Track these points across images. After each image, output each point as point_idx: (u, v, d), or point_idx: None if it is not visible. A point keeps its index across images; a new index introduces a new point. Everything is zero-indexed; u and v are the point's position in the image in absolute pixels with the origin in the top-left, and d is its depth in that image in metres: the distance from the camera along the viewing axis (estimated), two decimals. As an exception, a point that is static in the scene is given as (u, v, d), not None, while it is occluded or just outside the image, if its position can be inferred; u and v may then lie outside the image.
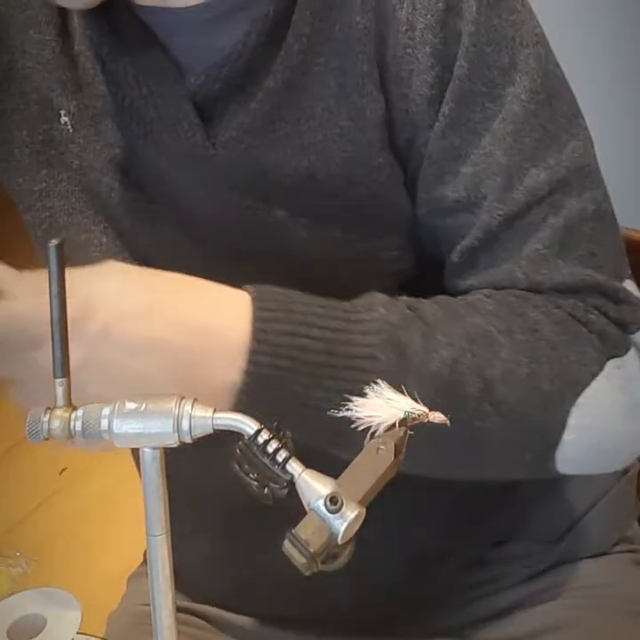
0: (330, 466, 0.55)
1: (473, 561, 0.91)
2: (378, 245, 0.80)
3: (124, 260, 0.81)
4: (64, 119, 0.82)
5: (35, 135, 0.83)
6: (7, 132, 0.83)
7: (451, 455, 0.74)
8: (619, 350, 0.76)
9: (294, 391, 0.68)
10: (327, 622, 0.92)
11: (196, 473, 0.82)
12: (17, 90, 0.82)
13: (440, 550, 0.90)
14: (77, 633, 0.81)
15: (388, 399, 0.58)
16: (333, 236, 0.80)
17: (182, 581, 0.97)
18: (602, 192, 0.80)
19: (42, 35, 0.81)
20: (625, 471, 0.98)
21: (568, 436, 0.74)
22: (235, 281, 0.71)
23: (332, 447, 0.67)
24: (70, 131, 0.82)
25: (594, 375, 0.75)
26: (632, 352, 0.78)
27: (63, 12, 0.80)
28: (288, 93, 0.76)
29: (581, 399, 0.74)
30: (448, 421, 0.61)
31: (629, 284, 0.79)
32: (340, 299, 0.72)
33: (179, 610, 0.92)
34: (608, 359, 0.76)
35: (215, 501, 0.88)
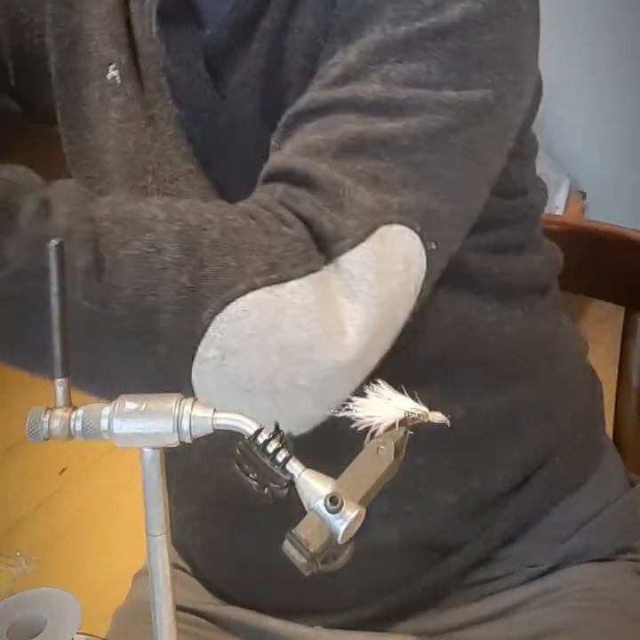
0: (330, 466, 0.55)
1: (479, 559, 0.91)
2: None
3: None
4: (112, 73, 0.86)
5: (93, 92, 0.87)
6: (76, 90, 0.88)
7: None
8: (310, 265, 0.66)
9: None
10: (329, 615, 0.92)
11: (209, 454, 0.83)
12: (84, 49, 0.88)
13: (448, 547, 0.90)
14: (77, 633, 0.81)
15: (388, 399, 0.58)
16: None
17: (193, 565, 0.99)
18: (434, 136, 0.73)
19: None
20: (632, 483, 0.98)
21: (207, 353, 0.63)
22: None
23: None
24: (117, 82, 0.86)
25: (254, 286, 0.64)
26: (328, 274, 0.67)
27: None
28: (283, 33, 0.79)
29: (232, 309, 0.63)
30: (448, 422, 0.61)
31: (406, 232, 0.70)
32: None
33: (184, 610, 0.94)
34: (290, 271, 0.65)
35: (231, 483, 0.89)
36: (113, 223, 0.64)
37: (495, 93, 0.74)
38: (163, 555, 0.56)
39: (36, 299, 0.60)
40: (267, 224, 0.67)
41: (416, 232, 0.69)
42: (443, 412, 0.58)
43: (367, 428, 0.58)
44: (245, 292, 0.64)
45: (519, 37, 0.76)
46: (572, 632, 0.87)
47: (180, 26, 0.82)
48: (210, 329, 0.63)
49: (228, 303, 0.63)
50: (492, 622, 0.91)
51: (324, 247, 0.67)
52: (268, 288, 0.64)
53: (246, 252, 0.65)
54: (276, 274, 0.65)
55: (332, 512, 0.52)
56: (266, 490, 0.53)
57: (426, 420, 0.59)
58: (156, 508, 0.56)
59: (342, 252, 0.67)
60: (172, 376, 0.64)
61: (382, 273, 0.67)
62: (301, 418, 0.66)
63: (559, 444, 0.92)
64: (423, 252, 0.70)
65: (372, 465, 0.56)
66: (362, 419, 0.58)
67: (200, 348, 0.63)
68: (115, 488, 2.05)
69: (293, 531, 0.52)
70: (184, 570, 1.01)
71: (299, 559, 0.52)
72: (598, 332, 1.95)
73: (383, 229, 0.68)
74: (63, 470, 2.21)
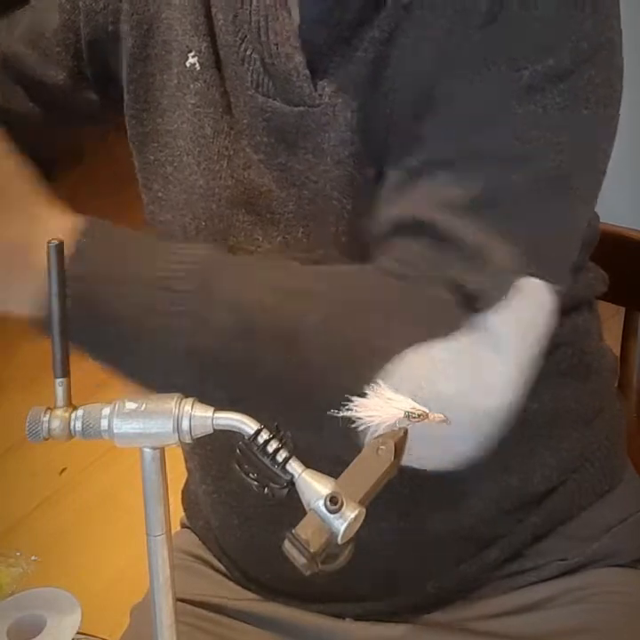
0: (329, 466, 0.55)
1: (512, 553, 0.93)
2: None
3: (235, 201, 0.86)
4: (191, 61, 0.87)
5: (171, 78, 0.88)
6: (150, 76, 0.90)
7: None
8: (457, 324, 0.70)
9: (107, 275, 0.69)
10: (367, 602, 0.93)
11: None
12: (160, 37, 0.89)
13: (485, 539, 0.92)
14: (77, 633, 0.81)
15: (388, 399, 0.58)
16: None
17: (228, 556, 0.98)
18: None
19: None
20: None
21: None
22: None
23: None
24: (197, 68, 0.87)
25: (406, 346, 0.69)
26: (476, 334, 0.71)
27: None
28: (391, 45, 0.78)
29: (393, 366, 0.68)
30: (448, 421, 0.61)
31: (538, 285, 0.74)
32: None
33: (207, 606, 0.94)
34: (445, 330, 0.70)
35: None
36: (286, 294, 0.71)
37: (601, 131, 0.78)
38: (163, 555, 0.56)
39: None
40: (414, 285, 0.72)
41: (548, 281, 0.73)
42: None
43: (367, 428, 0.58)
44: (397, 353, 0.68)
45: (613, 70, 0.78)
46: (595, 633, 0.89)
47: (275, 17, 0.83)
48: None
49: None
50: (520, 615, 0.92)
51: (468, 306, 0.71)
52: (418, 348, 0.68)
53: (396, 314, 0.71)
54: (426, 334, 0.69)
55: (332, 512, 0.52)
56: (266, 489, 0.53)
57: (426, 420, 0.59)
58: (156, 508, 0.56)
59: (485, 310, 0.71)
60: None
61: (523, 327, 0.73)
62: (456, 456, 0.71)
63: (592, 451, 0.95)
64: (553, 299, 0.74)
65: (372, 465, 0.56)
66: (362, 419, 0.58)
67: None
68: (115, 488, 2.05)
69: (293, 531, 0.52)
70: (210, 564, 1.01)
71: (299, 559, 0.52)
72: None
73: (521, 284, 0.72)
74: (63, 470, 2.21)
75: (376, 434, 0.57)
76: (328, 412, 0.59)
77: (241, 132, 0.86)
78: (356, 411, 0.58)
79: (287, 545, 0.52)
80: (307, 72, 0.81)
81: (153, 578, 0.57)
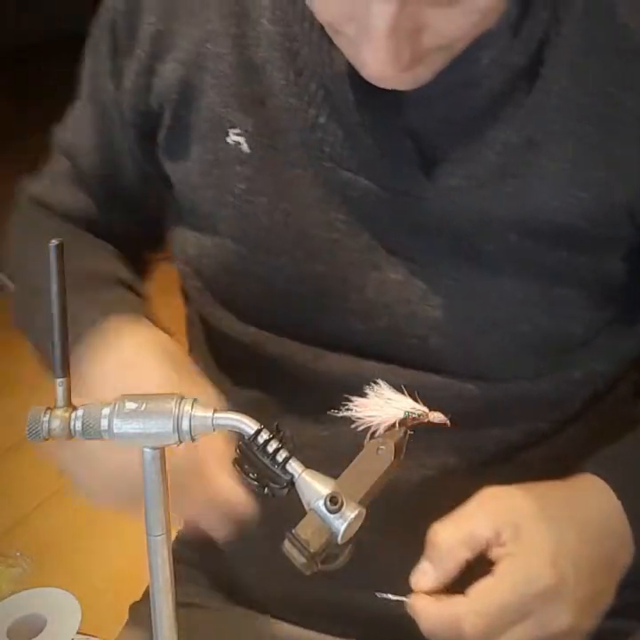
0: (330, 466, 0.55)
1: None
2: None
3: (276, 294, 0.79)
4: (235, 138, 0.77)
5: (204, 153, 0.79)
6: (185, 147, 0.80)
7: None
8: None
9: None
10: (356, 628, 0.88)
11: None
12: (194, 105, 0.78)
13: None
14: (77, 633, 0.81)
15: (388, 399, 0.58)
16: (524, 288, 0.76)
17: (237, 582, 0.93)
18: None
19: (219, 48, 0.77)
20: None
21: None
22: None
23: None
24: (244, 150, 0.77)
25: None
26: None
27: (241, 22, 0.76)
28: (527, 149, 0.72)
29: None
30: (448, 421, 0.61)
31: None
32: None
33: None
34: None
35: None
36: None
37: None
38: (163, 555, 0.56)
39: None
40: None
41: None
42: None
43: (367, 428, 0.58)
44: None
45: None
46: None
47: (374, 93, 0.69)
48: None
49: None
50: None
51: None
52: None
53: None
54: None
55: (332, 512, 0.52)
56: (266, 490, 0.53)
57: (426, 420, 0.60)
58: (156, 508, 0.56)
59: None
60: None
61: None
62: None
63: None
64: None
65: (372, 465, 0.56)
66: (362, 419, 0.58)
67: None
68: (115, 488, 2.05)
69: (293, 531, 0.52)
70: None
71: (299, 559, 0.52)
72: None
73: None
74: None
75: (376, 434, 0.57)
76: (328, 413, 0.59)
77: (309, 208, 0.76)
78: (355, 411, 0.58)
79: (287, 545, 0.52)
80: (414, 157, 0.73)
81: (153, 578, 0.57)
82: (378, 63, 0.63)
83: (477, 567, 0.69)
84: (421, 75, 0.66)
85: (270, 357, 0.80)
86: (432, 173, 0.73)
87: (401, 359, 0.77)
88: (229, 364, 0.85)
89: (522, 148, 0.72)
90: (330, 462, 0.56)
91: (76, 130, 0.89)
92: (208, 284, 0.83)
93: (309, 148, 0.75)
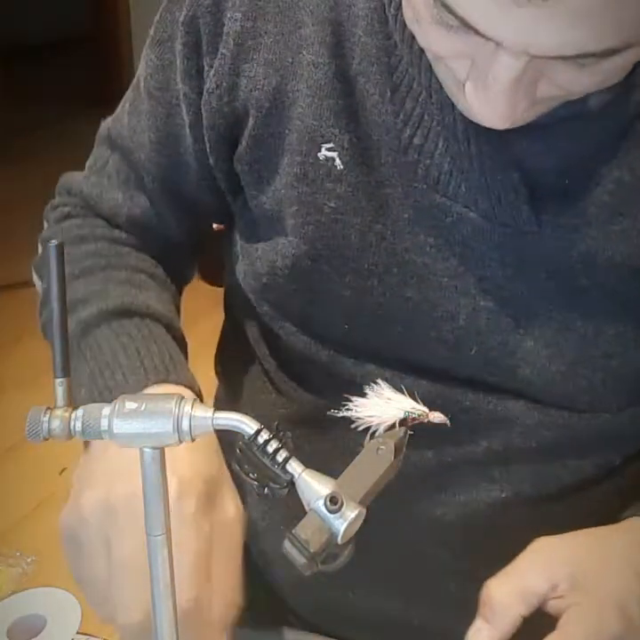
0: (330, 466, 0.55)
1: None
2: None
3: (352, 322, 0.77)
4: (327, 154, 0.73)
5: (291, 166, 0.75)
6: (269, 157, 0.76)
7: None
8: None
9: None
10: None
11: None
12: (285, 114, 0.75)
13: None
14: (77, 633, 0.81)
15: (388, 399, 0.58)
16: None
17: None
18: None
19: (315, 56, 0.73)
20: None
21: None
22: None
23: None
24: (338, 167, 0.73)
25: None
26: None
27: (337, 30, 0.73)
28: (638, 188, 0.71)
29: None
30: (447, 422, 0.61)
31: None
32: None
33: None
34: None
35: None
36: None
37: None
38: (163, 555, 0.56)
39: None
40: None
41: None
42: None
43: (367, 428, 0.58)
44: None
45: None
46: None
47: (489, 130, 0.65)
48: None
49: None
50: None
51: None
52: None
53: None
54: None
55: (332, 512, 0.52)
56: (266, 490, 0.53)
57: (426, 420, 0.59)
58: (156, 508, 0.56)
59: None
60: None
61: None
62: None
63: None
64: None
65: (372, 465, 0.56)
66: (362, 419, 0.58)
67: None
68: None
69: (293, 531, 0.52)
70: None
71: (299, 559, 0.52)
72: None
73: None
74: (63, 470, 2.21)
75: (376, 434, 0.57)
76: (328, 413, 0.59)
77: (400, 230, 0.74)
78: (355, 411, 0.58)
79: (287, 545, 0.52)
80: (525, 194, 0.71)
81: (153, 578, 0.57)
82: (490, 113, 0.61)
83: (529, 620, 0.68)
84: (529, 117, 0.64)
85: (348, 376, 0.79)
86: (538, 207, 0.71)
87: (488, 385, 0.76)
88: (300, 378, 0.83)
89: (634, 186, 0.70)
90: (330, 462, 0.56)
91: (135, 127, 0.84)
92: (279, 302, 0.80)
93: (402, 167, 0.72)
